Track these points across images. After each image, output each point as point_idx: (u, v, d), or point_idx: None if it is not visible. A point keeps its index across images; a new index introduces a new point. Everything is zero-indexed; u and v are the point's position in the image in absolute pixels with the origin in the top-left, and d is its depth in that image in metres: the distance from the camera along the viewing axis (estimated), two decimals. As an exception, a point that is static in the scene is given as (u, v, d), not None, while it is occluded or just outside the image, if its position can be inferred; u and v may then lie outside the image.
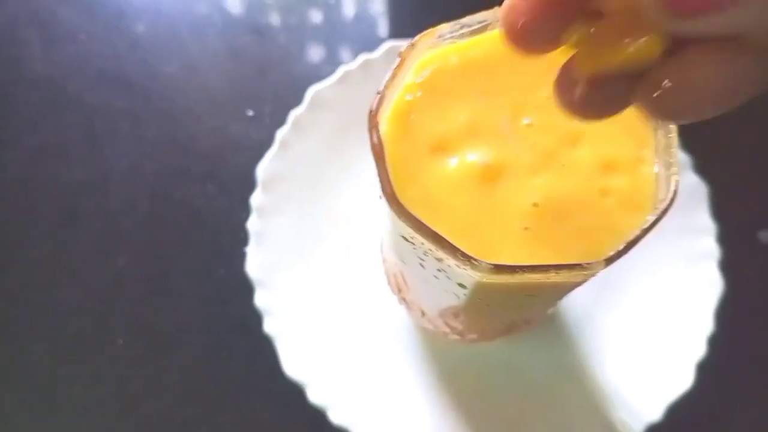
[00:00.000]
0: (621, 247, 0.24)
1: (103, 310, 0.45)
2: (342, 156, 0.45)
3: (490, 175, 0.26)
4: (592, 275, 0.25)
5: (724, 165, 0.47)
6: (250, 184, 0.45)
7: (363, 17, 0.53)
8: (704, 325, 0.41)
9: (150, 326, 0.45)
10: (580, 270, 0.24)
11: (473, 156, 0.27)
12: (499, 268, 0.24)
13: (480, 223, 0.26)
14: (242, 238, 0.44)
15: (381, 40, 0.48)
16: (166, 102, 0.50)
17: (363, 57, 0.46)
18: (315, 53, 0.52)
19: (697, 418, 0.42)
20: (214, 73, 0.51)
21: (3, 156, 0.49)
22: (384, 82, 0.27)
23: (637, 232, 0.24)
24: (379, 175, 0.25)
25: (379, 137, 0.26)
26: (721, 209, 0.44)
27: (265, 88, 0.51)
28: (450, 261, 0.25)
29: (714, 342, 0.41)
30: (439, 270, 0.27)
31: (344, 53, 0.52)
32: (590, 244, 0.26)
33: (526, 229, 0.26)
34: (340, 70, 0.46)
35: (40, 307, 0.45)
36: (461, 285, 0.27)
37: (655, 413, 0.39)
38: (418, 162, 0.26)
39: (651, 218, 0.25)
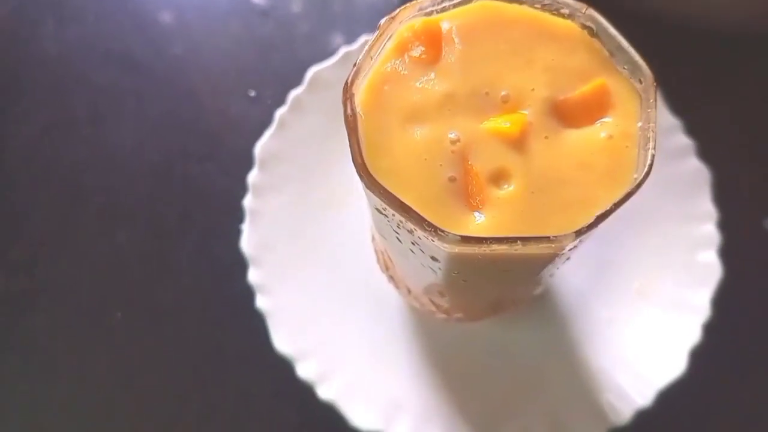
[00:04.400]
0: (591, 221, 0.24)
1: (103, 285, 0.46)
2: (339, 136, 0.45)
3: (463, 147, 0.26)
4: (562, 248, 0.25)
5: (730, 152, 0.46)
6: (249, 164, 0.45)
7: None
8: (701, 312, 0.41)
9: (148, 301, 0.45)
10: (548, 243, 0.24)
11: (447, 128, 0.26)
12: (465, 240, 0.24)
13: (452, 195, 0.26)
14: (239, 217, 0.44)
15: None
16: (170, 82, 0.51)
17: (364, 38, 0.46)
18: (319, 35, 0.52)
19: (687, 406, 0.41)
20: (218, 54, 0.52)
21: (11, 133, 0.50)
22: (361, 53, 0.27)
23: (609, 206, 0.24)
24: (351, 145, 0.25)
25: (353, 109, 0.26)
26: (725, 196, 0.43)
27: (267, 70, 0.51)
28: (419, 233, 0.25)
29: (710, 329, 0.40)
30: (413, 243, 0.27)
31: (348, 35, 0.52)
32: (567, 218, 0.26)
33: (500, 203, 0.26)
34: (341, 51, 0.46)
35: (41, 280, 0.46)
36: (434, 258, 0.27)
37: (645, 398, 0.39)
38: (391, 133, 0.26)
39: (624, 192, 0.24)
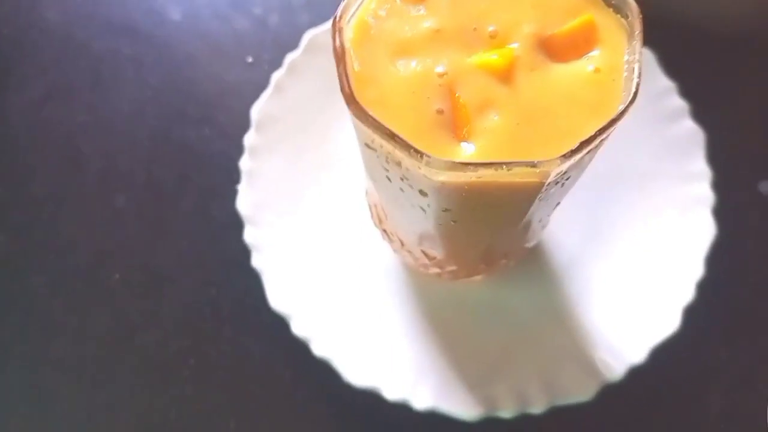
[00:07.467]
0: (575, 146, 0.24)
1: (102, 246, 0.46)
2: (335, 100, 0.44)
3: (451, 80, 0.26)
4: (547, 175, 0.25)
5: (726, 114, 0.46)
6: (245, 127, 0.45)
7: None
8: (694, 269, 0.41)
9: (146, 262, 0.46)
10: (533, 167, 0.24)
11: (435, 62, 0.27)
12: (451, 164, 0.24)
13: (440, 127, 0.26)
14: (236, 179, 0.45)
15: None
16: (169, 49, 0.52)
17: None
18: (317, 1, 0.53)
19: (680, 362, 0.41)
20: (217, 20, 0.52)
21: (12, 99, 0.50)
22: (350, -12, 0.27)
23: (593, 132, 0.24)
24: (339, 75, 0.26)
25: (341, 41, 0.26)
26: (720, 158, 0.43)
27: (265, 36, 0.52)
28: (406, 161, 0.25)
29: (704, 287, 0.40)
30: (402, 179, 0.28)
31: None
32: (554, 149, 0.25)
33: (487, 134, 0.26)
34: (337, 16, 0.47)
35: (41, 242, 0.47)
36: (423, 193, 0.27)
37: (638, 355, 0.39)
38: (379, 66, 0.27)
39: (608, 119, 0.25)
